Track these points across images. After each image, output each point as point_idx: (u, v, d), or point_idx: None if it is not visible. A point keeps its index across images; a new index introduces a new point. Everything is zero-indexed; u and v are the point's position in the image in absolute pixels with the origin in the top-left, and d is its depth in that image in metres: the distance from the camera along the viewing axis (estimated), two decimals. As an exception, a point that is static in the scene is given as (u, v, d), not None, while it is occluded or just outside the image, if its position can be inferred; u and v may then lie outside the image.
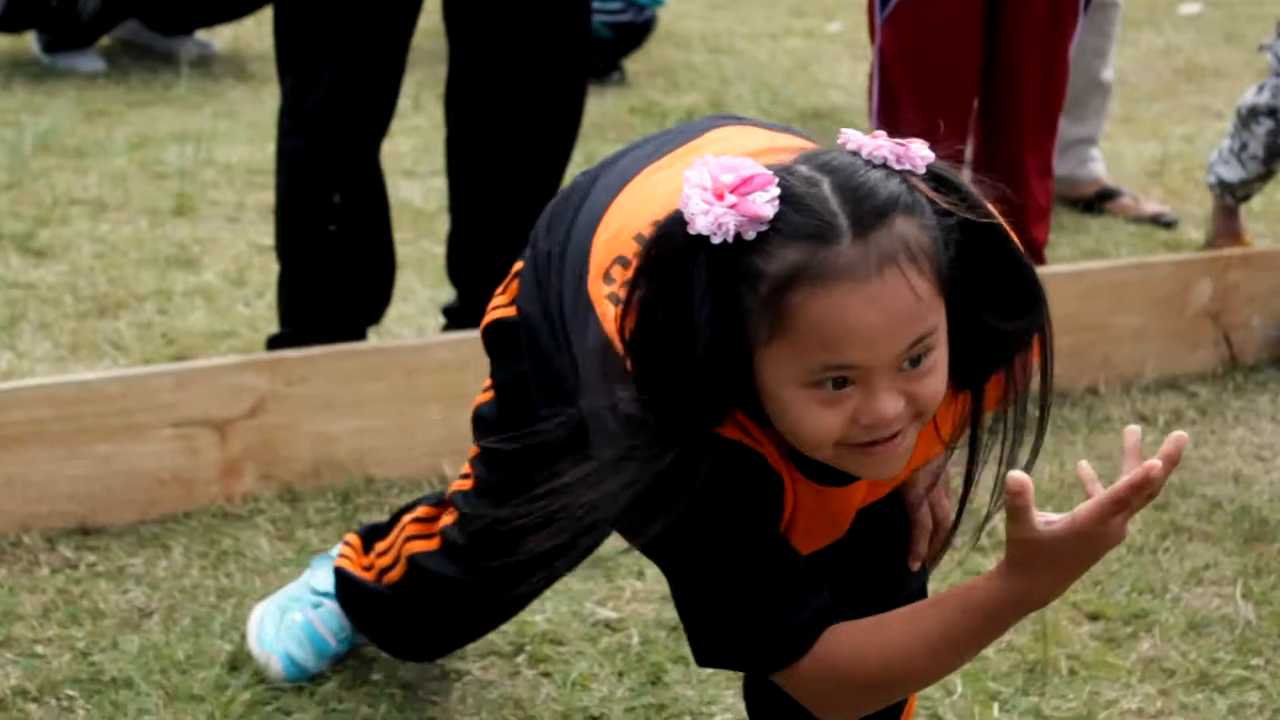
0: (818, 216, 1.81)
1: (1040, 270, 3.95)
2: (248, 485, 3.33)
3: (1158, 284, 4.07)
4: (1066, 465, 3.57)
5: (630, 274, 1.91)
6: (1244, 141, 4.75)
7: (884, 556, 2.24)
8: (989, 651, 2.92)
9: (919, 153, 1.87)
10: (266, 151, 4.68)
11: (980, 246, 1.90)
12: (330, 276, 3.62)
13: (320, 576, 2.88)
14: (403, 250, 4.44)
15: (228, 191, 5.10)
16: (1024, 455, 2.03)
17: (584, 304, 2.07)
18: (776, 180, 1.82)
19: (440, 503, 2.67)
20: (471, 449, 2.54)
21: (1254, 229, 5.09)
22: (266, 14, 3.61)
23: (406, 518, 2.72)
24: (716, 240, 1.81)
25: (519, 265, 2.37)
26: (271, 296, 3.85)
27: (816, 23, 7.91)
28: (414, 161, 5.39)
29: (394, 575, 2.70)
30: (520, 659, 2.91)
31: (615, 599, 3.05)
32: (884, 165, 1.86)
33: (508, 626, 2.95)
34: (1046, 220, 4.51)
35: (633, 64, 6.81)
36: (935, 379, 1.88)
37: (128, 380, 3.26)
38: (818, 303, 1.80)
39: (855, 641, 2.01)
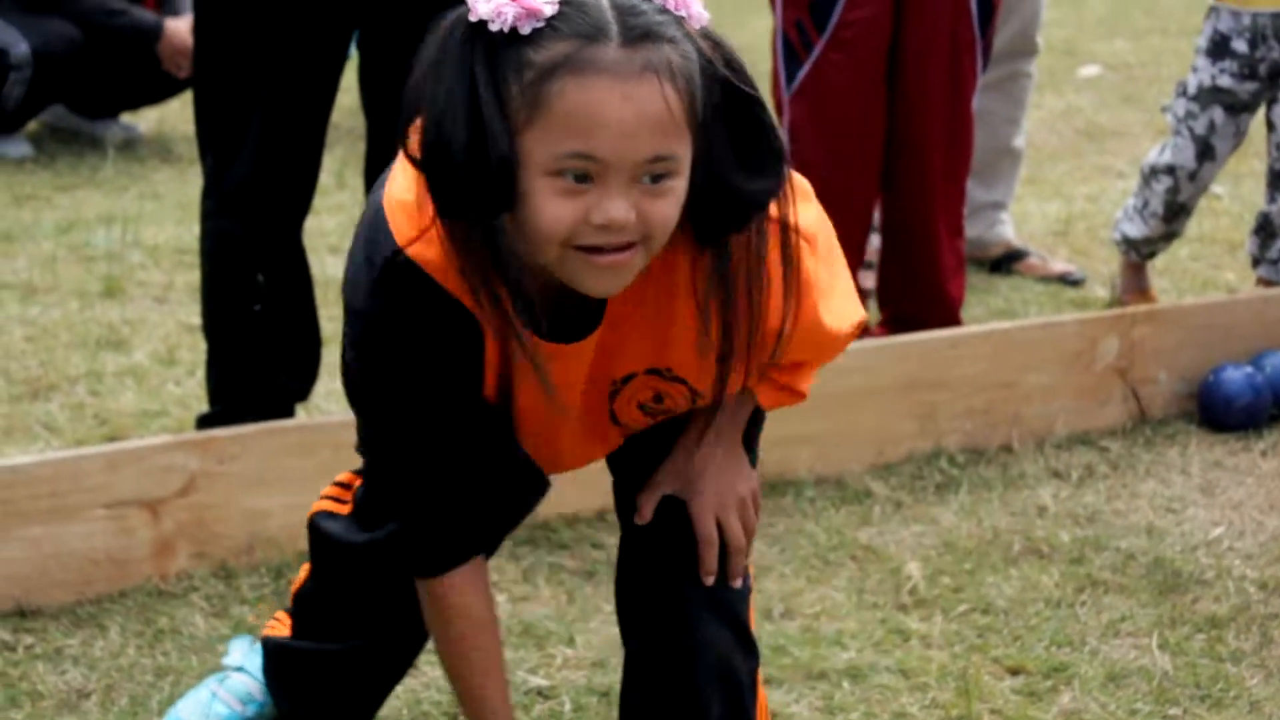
0: (591, 20, 1.97)
1: (951, 331, 4.10)
2: (181, 563, 3.36)
3: (1066, 341, 4.14)
4: (984, 522, 3.64)
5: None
6: (1145, 199, 4.87)
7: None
8: (913, 708, 2.99)
9: (698, 9, 2.03)
10: (193, 232, 4.71)
11: (736, 111, 2.04)
12: (257, 355, 3.66)
13: (234, 655, 2.93)
14: (330, 326, 4.47)
15: (155, 272, 5.14)
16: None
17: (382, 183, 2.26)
18: None
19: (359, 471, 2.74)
20: None
21: (1158, 285, 5.19)
22: (191, 95, 3.66)
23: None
24: (494, 27, 1.97)
25: None
26: (202, 375, 3.89)
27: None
28: (339, 238, 5.42)
29: (303, 574, 2.75)
30: (454, 728, 2.95)
31: (546, 666, 3.09)
32: (664, 10, 2.00)
33: (440, 696, 2.99)
34: (959, 279, 4.54)
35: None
36: (669, 204, 2.01)
37: (58, 463, 3.28)
38: (575, 91, 1.95)
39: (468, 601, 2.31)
